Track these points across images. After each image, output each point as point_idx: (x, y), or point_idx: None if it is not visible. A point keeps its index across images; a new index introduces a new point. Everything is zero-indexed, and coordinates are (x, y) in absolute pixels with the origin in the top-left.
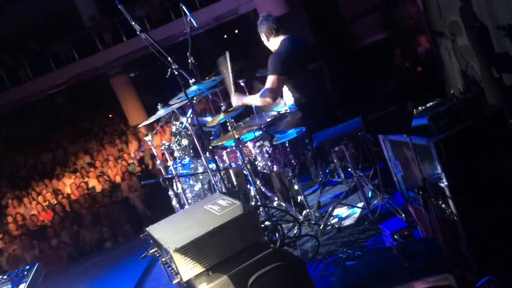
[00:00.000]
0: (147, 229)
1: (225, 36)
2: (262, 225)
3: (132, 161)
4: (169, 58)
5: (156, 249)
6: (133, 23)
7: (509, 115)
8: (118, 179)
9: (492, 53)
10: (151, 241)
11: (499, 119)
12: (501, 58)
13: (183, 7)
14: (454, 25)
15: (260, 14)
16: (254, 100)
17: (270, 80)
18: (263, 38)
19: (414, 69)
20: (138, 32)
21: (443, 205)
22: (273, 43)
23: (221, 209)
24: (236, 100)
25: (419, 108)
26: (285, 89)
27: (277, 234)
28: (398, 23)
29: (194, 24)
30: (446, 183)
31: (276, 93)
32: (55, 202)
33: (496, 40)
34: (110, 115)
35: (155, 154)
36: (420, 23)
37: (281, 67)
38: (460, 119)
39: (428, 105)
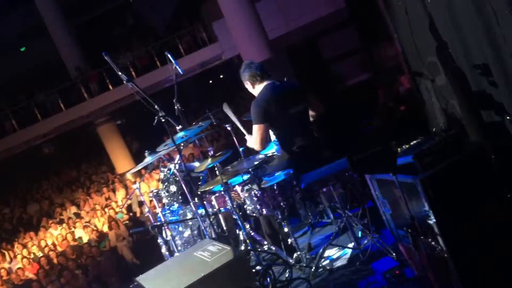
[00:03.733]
0: (137, 278)
1: (210, 81)
2: (253, 270)
3: (120, 209)
4: (156, 106)
5: None
6: (120, 73)
7: (491, 150)
8: (105, 228)
9: (470, 91)
10: None
11: (481, 154)
12: (478, 96)
13: (169, 55)
14: (432, 65)
15: (243, 62)
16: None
17: (255, 130)
18: (248, 85)
19: (397, 108)
20: (125, 82)
21: (433, 243)
22: (257, 89)
23: (211, 255)
24: (249, 141)
25: (403, 146)
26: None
27: (268, 279)
28: (379, 64)
29: (180, 71)
30: (434, 220)
31: (262, 142)
32: (41, 254)
33: (472, 79)
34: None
35: (143, 201)
36: (400, 63)
37: (262, 115)
38: (444, 156)
39: (412, 143)
